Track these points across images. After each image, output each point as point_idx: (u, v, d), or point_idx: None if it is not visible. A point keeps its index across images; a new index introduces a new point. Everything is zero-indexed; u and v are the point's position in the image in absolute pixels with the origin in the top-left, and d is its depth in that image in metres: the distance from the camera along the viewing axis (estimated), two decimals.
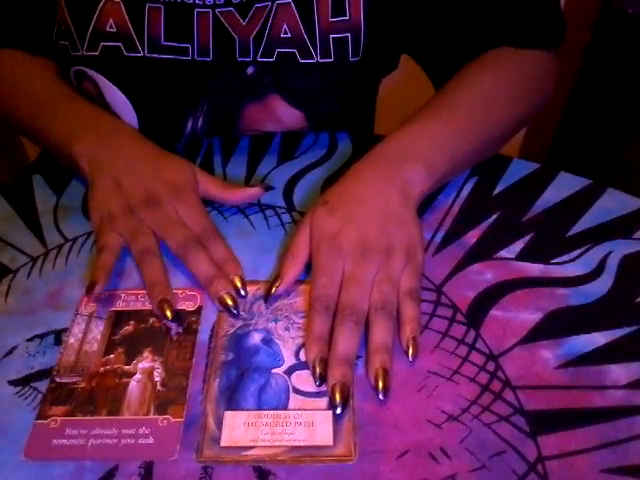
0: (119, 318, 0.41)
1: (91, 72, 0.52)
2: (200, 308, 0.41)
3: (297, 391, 0.36)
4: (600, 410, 0.34)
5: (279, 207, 0.50)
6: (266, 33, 0.51)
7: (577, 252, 0.44)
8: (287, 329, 0.39)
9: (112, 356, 0.38)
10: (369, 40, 0.52)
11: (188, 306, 0.41)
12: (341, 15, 0.51)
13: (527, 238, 0.46)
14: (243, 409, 0.35)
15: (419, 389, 0.36)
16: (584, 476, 0.32)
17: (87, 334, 0.40)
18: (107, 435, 0.34)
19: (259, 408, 0.35)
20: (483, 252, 0.45)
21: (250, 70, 0.53)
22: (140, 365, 0.38)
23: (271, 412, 0.34)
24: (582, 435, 0.33)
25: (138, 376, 0.37)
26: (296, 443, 0.33)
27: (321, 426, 0.34)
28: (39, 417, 0.35)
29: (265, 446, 0.33)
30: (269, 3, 0.50)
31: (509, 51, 0.52)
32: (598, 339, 0.38)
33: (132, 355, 0.38)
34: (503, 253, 0.45)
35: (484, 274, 0.43)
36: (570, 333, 0.39)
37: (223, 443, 0.33)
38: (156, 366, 0.38)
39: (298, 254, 0.42)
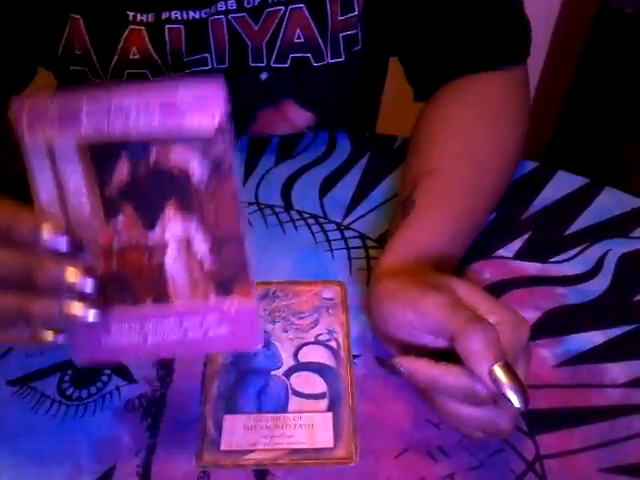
0: (101, 154, 0.26)
1: None
2: None
3: (296, 393, 0.36)
4: (598, 409, 0.35)
5: (277, 206, 0.50)
6: (279, 38, 0.51)
7: (575, 251, 0.44)
8: (285, 331, 0.39)
9: (121, 218, 0.26)
10: (368, 32, 0.52)
11: None
12: (350, 11, 0.50)
13: (525, 237, 0.46)
14: (242, 412, 0.35)
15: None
16: (582, 475, 0.32)
17: (63, 186, 0.26)
18: (168, 329, 0.27)
19: (258, 411, 0.35)
20: (481, 251, 0.45)
21: (264, 76, 0.52)
22: (168, 233, 0.26)
23: (270, 415, 0.34)
24: (580, 434, 0.33)
25: (173, 252, 0.26)
26: (296, 446, 0.33)
27: (321, 428, 0.34)
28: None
29: (265, 449, 0.33)
30: (282, 7, 0.50)
31: (481, 86, 0.47)
32: (596, 338, 0.38)
33: (149, 214, 0.26)
34: (501, 252, 0.45)
35: (482, 273, 0.43)
36: (568, 332, 0.39)
37: (223, 447, 0.33)
38: (192, 231, 0.26)
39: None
